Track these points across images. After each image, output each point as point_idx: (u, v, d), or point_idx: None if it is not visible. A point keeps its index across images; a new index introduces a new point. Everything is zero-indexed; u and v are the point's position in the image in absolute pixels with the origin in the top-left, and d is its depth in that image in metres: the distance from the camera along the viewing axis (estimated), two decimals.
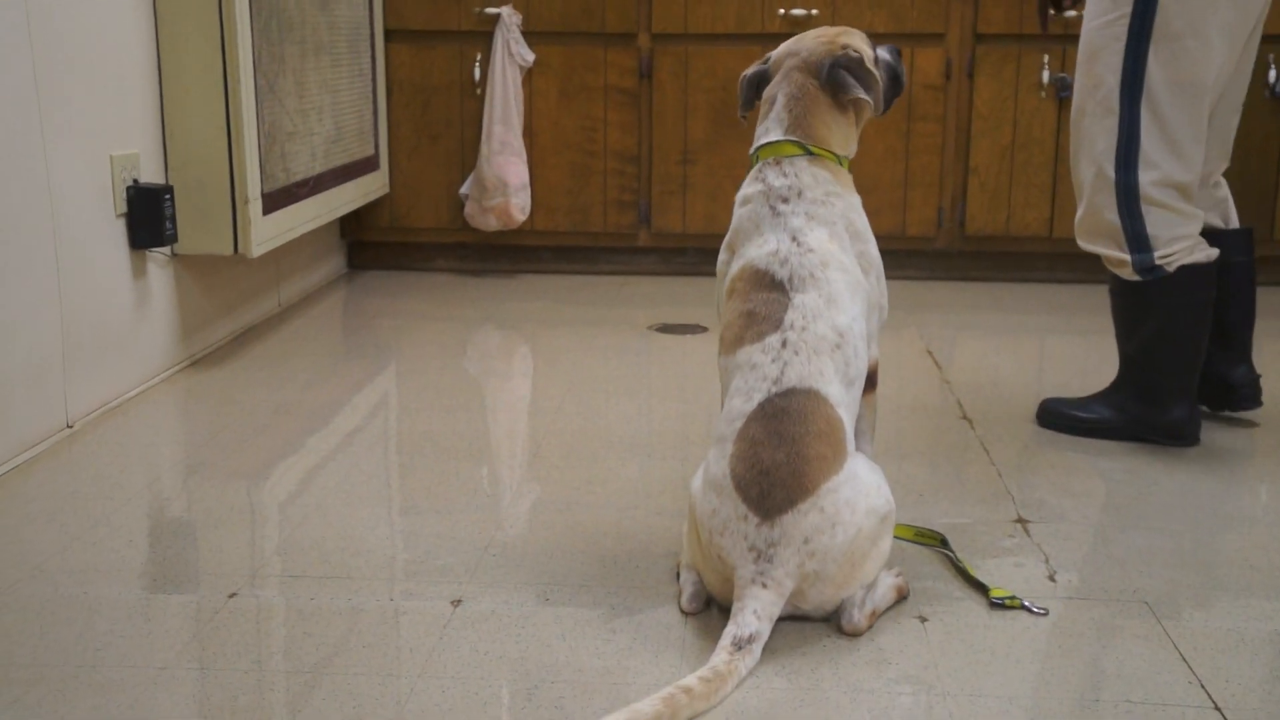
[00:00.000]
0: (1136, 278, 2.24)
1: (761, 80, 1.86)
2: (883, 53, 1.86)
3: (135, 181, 2.59)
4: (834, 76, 1.77)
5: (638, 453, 2.30)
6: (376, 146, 3.71)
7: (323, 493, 2.10)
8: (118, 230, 2.56)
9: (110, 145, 2.52)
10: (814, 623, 1.63)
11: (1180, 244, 2.22)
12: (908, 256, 3.83)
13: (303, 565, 1.81)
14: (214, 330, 3.01)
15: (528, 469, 2.23)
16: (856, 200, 1.80)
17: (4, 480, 2.13)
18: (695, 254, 3.91)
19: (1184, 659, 1.55)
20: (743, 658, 1.50)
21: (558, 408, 2.56)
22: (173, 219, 2.67)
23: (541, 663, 1.53)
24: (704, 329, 3.25)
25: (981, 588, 1.73)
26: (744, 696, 1.46)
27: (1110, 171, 2.19)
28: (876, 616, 1.65)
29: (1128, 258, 2.23)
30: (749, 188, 1.79)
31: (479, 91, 3.76)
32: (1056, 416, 2.43)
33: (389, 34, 3.75)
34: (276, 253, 3.32)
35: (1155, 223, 2.19)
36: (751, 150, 1.82)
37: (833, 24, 3.62)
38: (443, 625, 1.62)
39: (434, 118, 3.81)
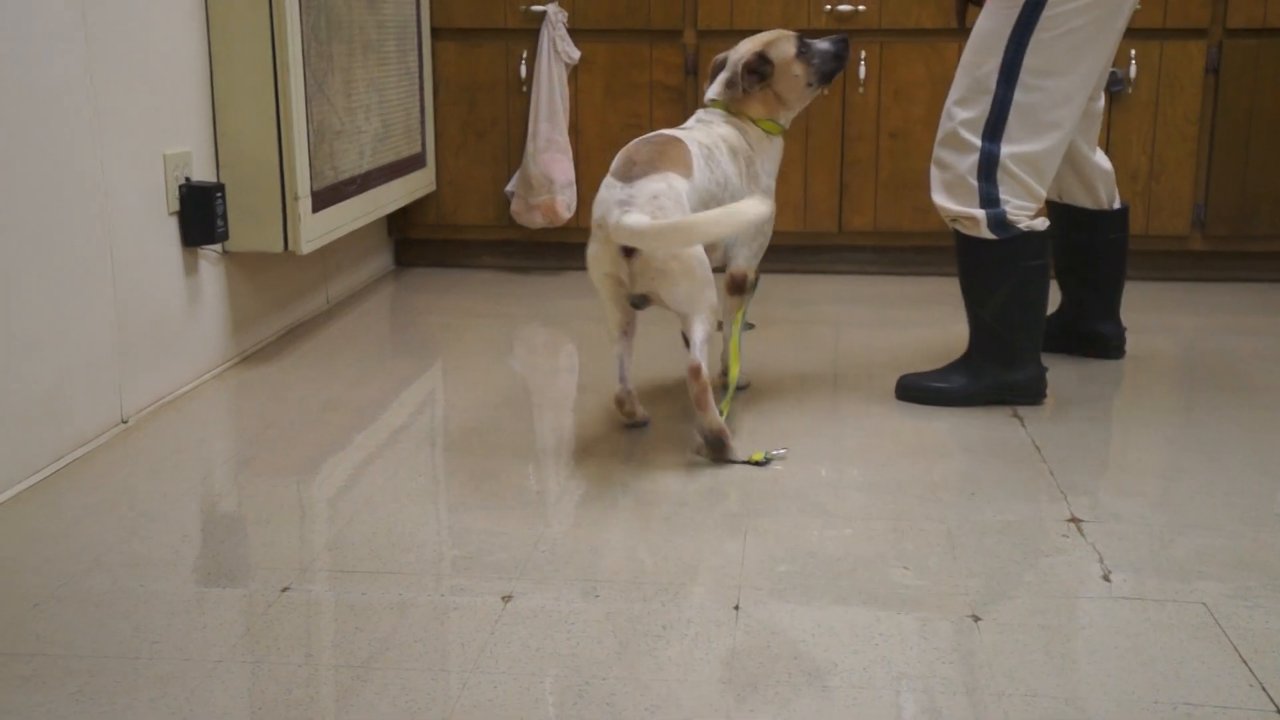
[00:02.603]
0: (989, 235, 2.44)
1: (722, 66, 2.53)
2: (821, 44, 2.50)
3: (187, 180, 2.62)
4: (732, 77, 2.47)
5: (685, 448, 2.29)
6: (423, 144, 3.73)
7: (371, 489, 2.11)
8: (170, 228, 2.59)
9: (163, 144, 2.54)
10: (864, 620, 1.62)
11: (1026, 211, 2.45)
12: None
13: (353, 560, 1.82)
14: (264, 326, 3.04)
15: (575, 465, 2.23)
16: (766, 149, 2.46)
17: (63, 474, 2.16)
18: None
19: (1244, 661, 1.53)
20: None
21: (604, 404, 2.56)
22: (224, 216, 2.69)
23: (593, 659, 1.53)
24: (751, 325, 3.23)
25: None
26: (794, 694, 1.45)
27: (976, 140, 2.43)
28: (705, 398, 2.17)
29: (981, 214, 2.44)
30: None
31: (525, 89, 3.77)
32: (915, 390, 2.59)
33: (436, 32, 3.77)
34: (325, 250, 3.35)
35: (1007, 189, 2.43)
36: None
37: (880, 19, 3.62)
38: (494, 621, 1.63)
39: (480, 115, 3.83)
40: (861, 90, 3.68)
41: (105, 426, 2.35)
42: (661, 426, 2.44)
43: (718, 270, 2.39)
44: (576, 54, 3.71)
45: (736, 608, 1.67)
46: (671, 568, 1.80)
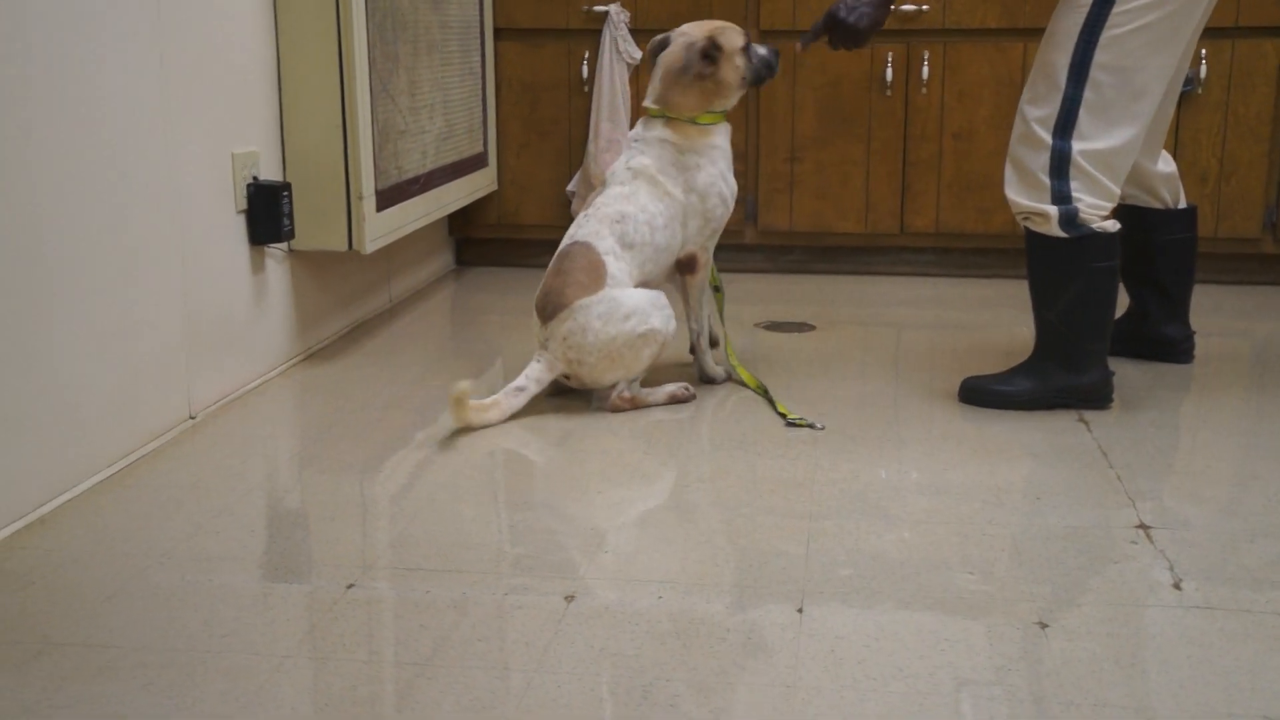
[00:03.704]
0: (1060, 233, 2.42)
1: (663, 45, 2.65)
2: (759, 49, 2.63)
3: (255, 179, 2.65)
4: (687, 58, 2.57)
5: (746, 449, 2.29)
6: (485, 144, 3.75)
7: (434, 487, 2.12)
8: (238, 226, 2.62)
9: (231, 143, 2.58)
10: (929, 625, 1.60)
11: (1099, 210, 2.42)
12: (1020, 256, 3.74)
13: (416, 558, 1.83)
14: (328, 325, 3.07)
15: (635, 467, 2.23)
16: (704, 146, 2.60)
17: (133, 469, 2.20)
18: (802, 252, 3.88)
19: None
20: (510, 396, 2.43)
21: (665, 404, 2.56)
22: (290, 215, 2.72)
23: (656, 661, 1.53)
24: (812, 327, 3.22)
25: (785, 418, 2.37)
26: (859, 699, 1.44)
27: (1047, 137, 2.40)
28: (637, 405, 2.51)
29: (1052, 210, 2.41)
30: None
31: (586, 89, 3.78)
32: (979, 393, 2.56)
33: (498, 32, 3.79)
34: (388, 249, 3.38)
35: (1079, 187, 2.41)
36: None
37: (943, 19, 3.58)
38: (557, 620, 1.63)
39: (542, 115, 3.84)
40: (924, 91, 3.64)
41: (174, 423, 2.38)
42: (722, 430, 2.44)
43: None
44: (638, 54, 3.71)
45: (800, 611, 1.66)
46: (734, 570, 1.79)
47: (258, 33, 2.67)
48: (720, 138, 2.64)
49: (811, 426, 2.40)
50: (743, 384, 2.67)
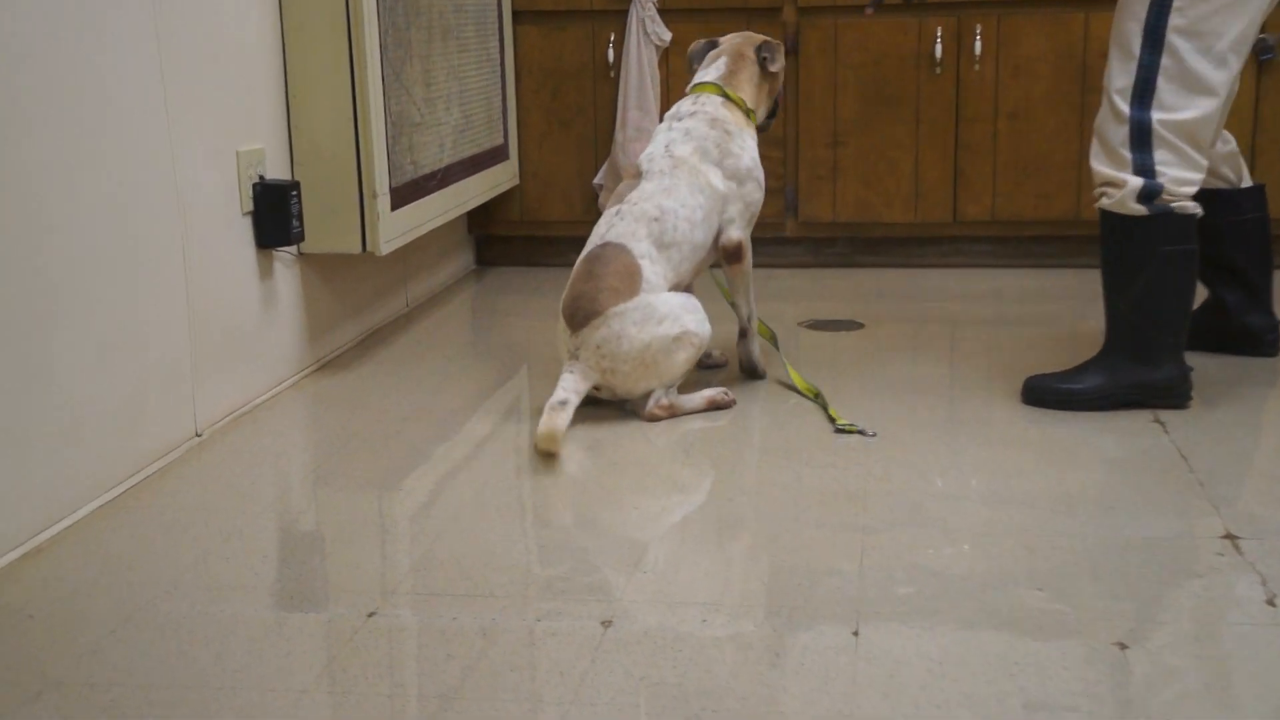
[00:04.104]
0: (1136, 208, 2.38)
1: (711, 48, 2.80)
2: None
3: (261, 178, 2.65)
4: (766, 50, 2.75)
5: (792, 458, 2.26)
6: (506, 135, 3.74)
7: (458, 505, 2.11)
8: (244, 229, 2.62)
9: (236, 141, 2.58)
10: (997, 647, 1.57)
11: (1184, 187, 2.38)
12: (1084, 243, 3.71)
13: (441, 582, 1.82)
14: (341, 332, 3.07)
15: (673, 478, 2.21)
16: (746, 134, 2.67)
17: (137, 490, 2.19)
18: (846, 244, 3.85)
19: None
20: (556, 411, 2.32)
21: (705, 411, 2.54)
22: (300, 216, 2.72)
23: (701, 690, 1.51)
24: (860, 325, 3.19)
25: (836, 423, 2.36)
26: None
27: (1125, 108, 2.39)
28: (675, 412, 2.48)
29: (1134, 181, 2.37)
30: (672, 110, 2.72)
31: (613, 74, 3.76)
32: (1044, 392, 2.52)
33: (517, 15, 3.78)
34: (404, 250, 3.37)
35: (1164, 159, 2.38)
36: (688, 87, 2.76)
37: None
38: (593, 648, 1.61)
39: (565, 103, 3.83)
40: (977, 67, 3.61)
41: (179, 440, 2.38)
42: (766, 437, 2.41)
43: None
44: (668, 36, 3.69)
45: (855, 633, 1.63)
46: (783, 589, 1.77)
47: (262, 23, 2.67)
48: (754, 134, 2.73)
49: (862, 433, 2.37)
50: (794, 389, 2.64)
